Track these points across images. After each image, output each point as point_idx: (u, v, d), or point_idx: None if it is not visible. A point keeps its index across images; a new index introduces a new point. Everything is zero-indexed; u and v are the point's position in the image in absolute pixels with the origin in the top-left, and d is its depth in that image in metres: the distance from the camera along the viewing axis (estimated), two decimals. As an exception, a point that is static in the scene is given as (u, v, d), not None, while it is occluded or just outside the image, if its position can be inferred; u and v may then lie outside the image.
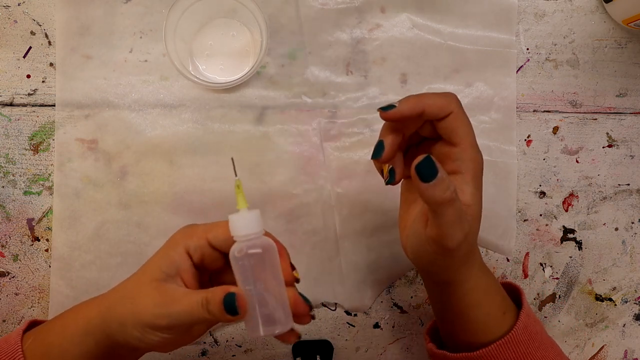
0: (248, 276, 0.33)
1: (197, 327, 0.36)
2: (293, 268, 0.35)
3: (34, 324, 0.39)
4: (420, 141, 0.39)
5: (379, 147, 0.36)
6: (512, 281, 0.42)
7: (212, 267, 0.36)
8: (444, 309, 0.40)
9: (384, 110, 0.35)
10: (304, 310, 0.34)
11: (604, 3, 0.53)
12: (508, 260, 0.54)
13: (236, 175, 0.34)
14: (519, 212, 0.53)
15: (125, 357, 0.38)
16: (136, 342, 0.34)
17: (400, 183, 0.39)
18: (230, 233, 0.33)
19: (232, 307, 0.32)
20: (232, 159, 0.35)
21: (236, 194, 0.33)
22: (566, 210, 0.54)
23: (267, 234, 0.35)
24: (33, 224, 0.50)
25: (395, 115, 0.35)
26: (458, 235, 0.33)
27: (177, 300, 0.33)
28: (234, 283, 0.34)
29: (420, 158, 0.31)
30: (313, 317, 0.34)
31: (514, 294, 0.42)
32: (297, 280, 0.35)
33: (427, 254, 0.35)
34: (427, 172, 0.31)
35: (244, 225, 0.33)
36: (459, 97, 0.51)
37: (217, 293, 0.32)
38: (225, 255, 0.35)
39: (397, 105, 0.35)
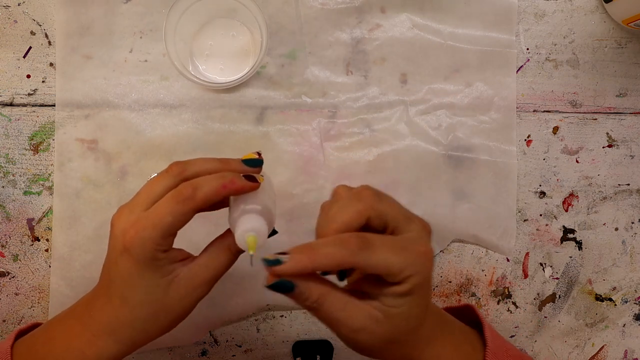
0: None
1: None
2: (252, 178, 0.34)
3: (20, 334, 0.37)
4: None
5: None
6: (474, 307, 0.40)
7: None
8: None
9: (269, 264, 0.30)
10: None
11: (604, 3, 0.53)
12: (508, 260, 0.54)
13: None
14: (519, 212, 0.53)
15: None
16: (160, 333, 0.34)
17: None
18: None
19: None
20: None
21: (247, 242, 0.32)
22: (566, 210, 0.54)
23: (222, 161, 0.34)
24: (33, 224, 0.50)
25: (283, 273, 0.30)
26: (343, 331, 0.31)
27: (198, 273, 0.33)
28: None
29: (273, 276, 0.30)
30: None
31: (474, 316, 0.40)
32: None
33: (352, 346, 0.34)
34: (282, 289, 0.30)
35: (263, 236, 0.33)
36: (459, 97, 0.52)
37: (227, 238, 0.34)
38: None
39: (284, 260, 0.29)
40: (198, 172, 0.34)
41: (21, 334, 0.38)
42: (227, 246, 0.35)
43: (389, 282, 0.31)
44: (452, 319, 0.38)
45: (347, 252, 0.29)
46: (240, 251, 0.34)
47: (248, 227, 0.32)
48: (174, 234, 0.33)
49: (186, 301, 0.34)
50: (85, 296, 0.36)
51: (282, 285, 0.30)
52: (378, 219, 0.32)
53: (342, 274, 0.36)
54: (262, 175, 0.35)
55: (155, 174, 0.34)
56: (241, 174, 0.33)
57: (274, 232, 0.35)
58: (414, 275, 0.30)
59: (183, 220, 0.32)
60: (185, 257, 0.35)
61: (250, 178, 0.33)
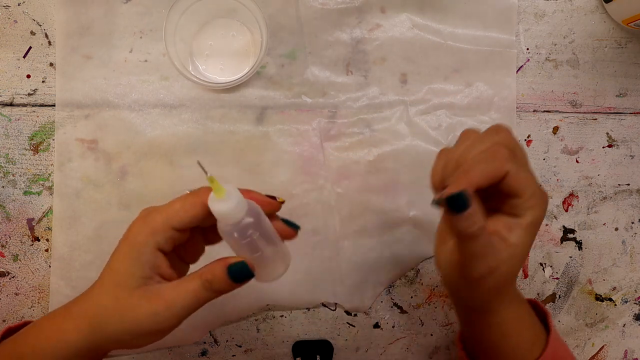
0: (244, 243, 0.33)
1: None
2: (274, 198, 0.35)
3: (8, 333, 0.37)
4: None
5: (462, 201, 0.32)
6: (539, 302, 0.41)
7: (183, 242, 0.35)
8: (472, 334, 0.40)
9: (459, 211, 0.31)
10: (291, 235, 0.36)
11: (604, 3, 0.53)
12: (508, 260, 0.53)
13: (207, 173, 0.32)
14: (519, 212, 0.53)
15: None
16: (138, 347, 0.34)
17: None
18: (218, 222, 0.32)
19: (242, 274, 0.33)
20: (198, 162, 0.34)
21: (212, 186, 0.32)
22: (566, 210, 0.54)
23: (243, 191, 0.34)
24: (33, 224, 0.50)
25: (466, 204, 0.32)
26: (481, 268, 0.33)
27: (175, 298, 0.32)
28: (197, 247, 0.36)
29: (454, 190, 0.31)
30: (296, 229, 0.36)
31: (541, 314, 0.41)
32: (282, 202, 0.36)
33: (455, 277, 0.36)
34: (457, 205, 0.31)
35: (231, 213, 0.32)
36: (459, 97, 0.52)
37: (217, 271, 0.33)
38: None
39: (464, 193, 0.31)
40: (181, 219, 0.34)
41: (11, 332, 0.37)
42: (199, 274, 0.33)
43: (514, 213, 0.34)
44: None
45: (499, 163, 0.32)
46: (211, 282, 0.33)
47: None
48: (176, 230, 0.33)
49: (144, 313, 0.32)
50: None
51: (460, 199, 0.31)
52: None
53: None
54: (283, 199, 0.36)
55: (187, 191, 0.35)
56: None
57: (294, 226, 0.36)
58: (536, 207, 0.33)
59: (190, 214, 0.33)
60: (170, 278, 0.34)
61: (272, 197, 0.35)
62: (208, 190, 0.33)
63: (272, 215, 0.35)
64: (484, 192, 0.34)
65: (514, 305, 0.37)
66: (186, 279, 0.33)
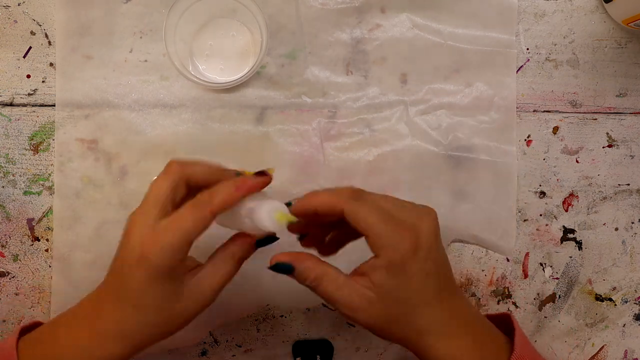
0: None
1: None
2: (264, 173, 0.37)
3: (25, 331, 0.38)
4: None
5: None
6: (507, 313, 0.40)
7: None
8: None
9: (288, 273, 0.35)
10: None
11: (604, 3, 0.53)
12: (508, 260, 0.54)
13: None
14: (519, 212, 0.53)
15: None
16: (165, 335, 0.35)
17: None
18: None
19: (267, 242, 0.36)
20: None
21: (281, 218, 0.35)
22: (566, 210, 0.54)
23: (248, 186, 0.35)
24: (33, 224, 0.50)
25: (294, 212, 0.35)
26: (342, 310, 0.35)
27: (205, 282, 0.35)
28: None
29: (274, 260, 0.35)
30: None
31: (507, 323, 0.39)
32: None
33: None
34: (282, 270, 0.35)
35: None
36: (459, 97, 0.52)
37: (231, 247, 0.36)
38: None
39: (293, 203, 0.36)
40: (197, 171, 0.35)
41: (23, 331, 0.38)
42: (230, 254, 0.36)
43: (373, 254, 0.34)
44: (483, 318, 0.38)
45: (340, 198, 0.34)
46: (244, 258, 0.36)
47: (272, 206, 0.34)
48: (192, 242, 0.33)
49: (192, 308, 0.35)
50: (90, 298, 0.37)
51: (283, 267, 0.35)
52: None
53: (302, 235, 0.39)
54: (272, 168, 0.37)
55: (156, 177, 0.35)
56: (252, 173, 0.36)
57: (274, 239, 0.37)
58: (388, 247, 0.33)
59: (202, 226, 0.33)
60: (195, 266, 0.36)
61: (261, 173, 0.36)
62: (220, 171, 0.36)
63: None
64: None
65: (447, 339, 0.35)
66: (218, 262, 0.35)
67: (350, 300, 0.34)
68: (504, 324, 0.39)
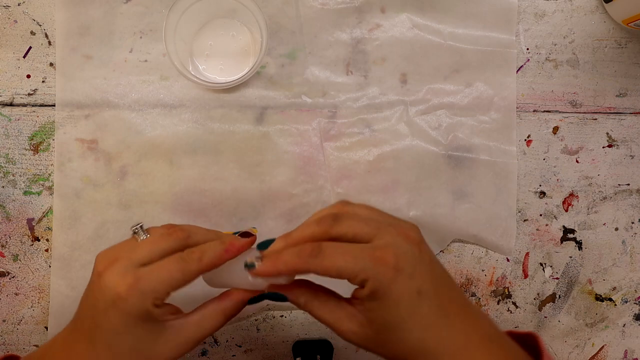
0: (238, 266, 0.36)
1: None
2: (248, 234, 0.37)
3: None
4: None
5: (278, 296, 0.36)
6: (533, 333, 0.37)
7: None
8: None
9: (248, 267, 0.34)
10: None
11: (604, 3, 0.53)
12: (508, 260, 0.54)
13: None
14: (519, 212, 0.53)
15: None
16: None
17: None
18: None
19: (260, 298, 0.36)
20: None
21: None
22: (566, 210, 0.54)
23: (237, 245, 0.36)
24: (33, 224, 0.50)
25: (256, 274, 0.34)
26: (336, 331, 0.34)
27: (189, 330, 0.34)
28: None
29: (269, 290, 0.35)
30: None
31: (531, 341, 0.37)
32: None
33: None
34: (277, 298, 0.36)
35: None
36: (459, 97, 0.52)
37: (223, 302, 0.36)
38: None
39: (257, 265, 0.34)
40: (199, 240, 0.35)
41: None
42: (222, 310, 0.36)
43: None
44: (505, 337, 0.35)
45: (301, 259, 0.32)
46: (233, 316, 0.36)
47: (255, 253, 0.35)
48: (171, 292, 0.33)
49: (169, 354, 0.34)
50: (62, 336, 0.35)
51: (276, 296, 0.36)
52: (342, 239, 0.33)
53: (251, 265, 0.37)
54: (255, 228, 0.38)
55: (139, 225, 0.34)
56: (237, 234, 0.37)
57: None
58: (369, 279, 0.31)
59: (186, 281, 0.33)
60: (175, 312, 0.35)
61: (245, 234, 0.37)
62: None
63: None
64: None
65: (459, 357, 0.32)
66: (207, 316, 0.35)
67: (340, 323, 0.34)
68: (528, 344, 0.36)
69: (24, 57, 0.50)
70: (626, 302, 0.55)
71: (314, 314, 0.35)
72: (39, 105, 0.50)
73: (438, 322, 0.32)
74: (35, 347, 0.51)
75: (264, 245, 0.36)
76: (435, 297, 0.32)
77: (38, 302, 0.51)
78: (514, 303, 0.54)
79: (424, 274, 0.32)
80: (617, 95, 0.54)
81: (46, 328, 0.51)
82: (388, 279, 0.31)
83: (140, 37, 0.50)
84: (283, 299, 0.35)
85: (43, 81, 0.50)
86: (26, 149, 0.50)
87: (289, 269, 0.32)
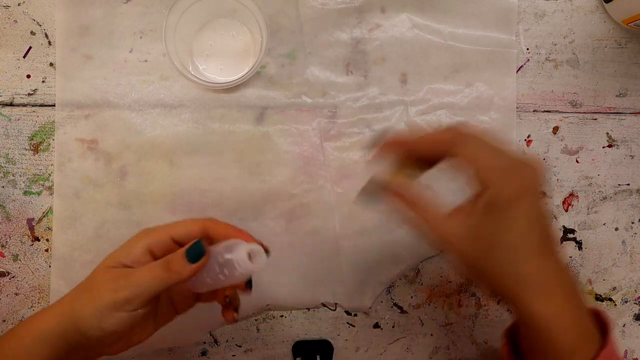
0: (215, 270, 0.36)
1: (149, 324, 0.38)
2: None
3: None
4: None
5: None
6: (601, 312, 0.36)
7: None
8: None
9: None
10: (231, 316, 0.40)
11: (604, 3, 0.53)
12: (508, 260, 0.53)
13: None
14: (519, 212, 0.53)
15: None
16: (94, 333, 0.34)
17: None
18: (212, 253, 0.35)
19: (196, 253, 0.35)
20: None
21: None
22: (566, 210, 0.54)
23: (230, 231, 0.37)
24: (33, 224, 0.50)
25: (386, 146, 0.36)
26: (441, 245, 0.35)
27: (135, 272, 0.35)
28: (189, 295, 0.40)
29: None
30: (236, 320, 0.40)
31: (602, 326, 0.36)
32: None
33: (463, 253, 0.35)
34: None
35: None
36: (459, 97, 0.52)
37: (177, 252, 0.35)
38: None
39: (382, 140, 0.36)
40: (181, 233, 0.37)
41: None
42: (162, 259, 0.36)
43: (476, 192, 0.33)
44: (582, 295, 0.36)
45: (443, 143, 0.34)
46: (172, 270, 0.35)
47: (248, 247, 0.34)
48: (172, 241, 0.36)
49: (112, 294, 0.34)
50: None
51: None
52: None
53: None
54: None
55: None
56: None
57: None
58: (496, 183, 0.32)
59: (188, 229, 0.36)
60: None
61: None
62: (210, 220, 0.37)
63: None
64: None
65: (548, 299, 0.33)
66: (151, 264, 0.35)
67: (445, 234, 0.34)
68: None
69: (24, 57, 0.50)
70: (626, 302, 0.55)
71: (418, 226, 0.35)
72: (39, 105, 0.50)
73: (543, 252, 0.33)
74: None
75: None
76: (541, 232, 0.33)
77: (38, 302, 0.51)
78: (514, 303, 0.54)
79: (539, 208, 0.33)
80: (617, 95, 0.54)
81: (46, 328, 0.51)
82: (513, 195, 0.32)
83: (140, 37, 0.50)
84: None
85: (43, 81, 0.50)
86: (26, 149, 0.50)
87: (435, 147, 0.34)
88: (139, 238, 0.36)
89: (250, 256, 0.34)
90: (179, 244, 0.37)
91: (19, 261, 0.50)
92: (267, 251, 0.36)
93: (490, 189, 0.32)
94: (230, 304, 0.39)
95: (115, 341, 0.36)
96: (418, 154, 0.36)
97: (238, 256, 0.34)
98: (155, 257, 0.36)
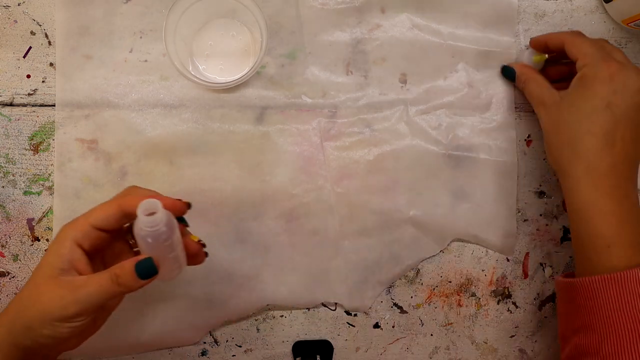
0: (153, 246, 0.36)
1: (102, 313, 0.39)
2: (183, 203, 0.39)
3: None
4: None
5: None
6: None
7: (104, 246, 0.39)
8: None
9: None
10: (198, 252, 0.40)
11: (604, 3, 0.53)
12: (508, 260, 0.54)
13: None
14: (519, 212, 0.53)
15: None
16: (48, 341, 0.35)
17: None
18: (135, 225, 0.36)
19: (147, 271, 0.35)
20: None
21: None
22: (566, 210, 0.54)
23: (158, 197, 0.37)
24: (33, 224, 0.50)
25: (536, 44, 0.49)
26: (535, 105, 0.47)
27: (83, 285, 0.35)
28: (122, 256, 0.40)
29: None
30: (206, 255, 0.41)
31: None
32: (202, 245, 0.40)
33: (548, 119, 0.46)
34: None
35: (154, 224, 0.35)
36: (458, 96, 0.52)
37: (125, 266, 0.35)
38: (110, 231, 0.38)
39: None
40: (99, 218, 0.38)
41: None
42: (110, 269, 0.36)
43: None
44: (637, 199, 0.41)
45: (561, 34, 0.47)
46: (121, 285, 0.36)
47: (140, 207, 0.35)
48: (95, 229, 0.37)
49: (57, 302, 0.35)
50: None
51: (509, 72, 0.51)
52: None
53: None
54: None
55: None
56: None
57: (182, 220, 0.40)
58: (590, 65, 0.42)
59: (106, 213, 0.37)
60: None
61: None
62: (125, 195, 0.38)
63: (185, 234, 0.40)
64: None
65: (590, 182, 0.39)
66: (98, 273, 0.36)
67: (542, 96, 0.45)
68: None
69: (24, 57, 0.50)
70: (626, 302, 0.55)
71: (526, 89, 0.48)
72: (39, 105, 0.50)
73: (605, 139, 0.39)
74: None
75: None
76: (611, 122, 0.40)
77: (38, 302, 0.51)
78: (514, 303, 0.54)
79: (622, 101, 0.40)
80: (617, 95, 0.54)
81: (46, 328, 0.51)
82: (599, 74, 0.41)
83: (140, 37, 0.50)
84: (512, 74, 0.50)
85: (43, 81, 0.50)
86: (26, 149, 0.50)
87: (555, 40, 0.47)
88: (63, 236, 0.36)
89: (151, 214, 0.35)
90: (103, 230, 0.37)
91: (19, 261, 0.50)
92: (187, 204, 0.38)
93: (586, 67, 0.42)
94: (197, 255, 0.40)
95: (70, 339, 0.37)
96: (548, 45, 0.48)
97: (138, 221, 0.34)
98: (84, 249, 0.37)
